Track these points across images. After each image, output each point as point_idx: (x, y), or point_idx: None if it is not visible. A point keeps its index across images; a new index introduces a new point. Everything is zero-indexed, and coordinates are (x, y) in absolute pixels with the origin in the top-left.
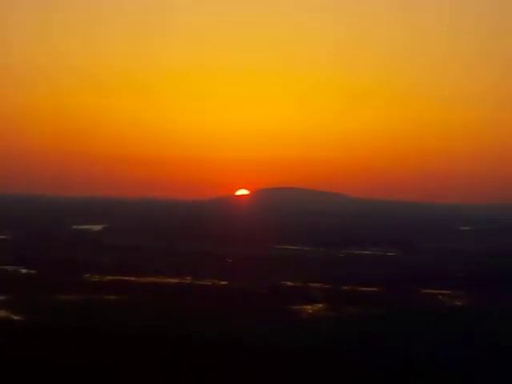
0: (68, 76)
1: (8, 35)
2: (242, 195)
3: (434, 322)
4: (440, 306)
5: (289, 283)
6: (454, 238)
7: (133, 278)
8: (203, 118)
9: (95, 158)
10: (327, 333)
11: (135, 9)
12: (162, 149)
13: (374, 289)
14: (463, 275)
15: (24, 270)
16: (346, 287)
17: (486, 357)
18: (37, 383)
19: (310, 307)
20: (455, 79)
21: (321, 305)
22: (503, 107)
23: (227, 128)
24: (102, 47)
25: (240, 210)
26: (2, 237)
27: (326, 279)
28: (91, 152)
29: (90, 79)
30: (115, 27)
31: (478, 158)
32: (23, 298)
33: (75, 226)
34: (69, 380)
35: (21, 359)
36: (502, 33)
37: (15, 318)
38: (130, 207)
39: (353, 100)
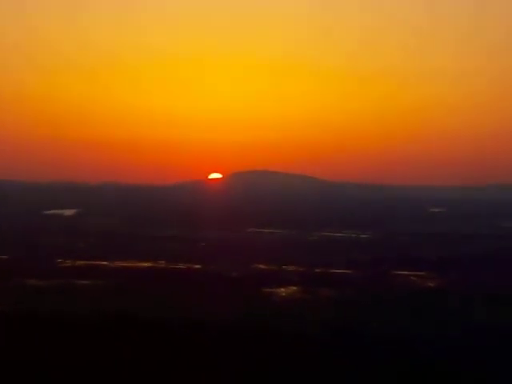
0: (40, 56)
1: None
2: (215, 179)
3: (406, 304)
4: (413, 287)
5: (263, 266)
6: (427, 220)
7: (105, 263)
8: (175, 100)
9: (60, 142)
10: (301, 316)
11: None
12: (132, 132)
13: (348, 271)
14: (436, 257)
15: None
16: (319, 270)
17: (459, 336)
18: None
19: (284, 290)
20: (428, 60)
21: (295, 288)
22: (480, 88)
23: (199, 110)
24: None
25: (213, 194)
26: None
27: (300, 262)
28: (56, 136)
29: (63, 61)
30: (102, 11)
31: (452, 140)
32: None
33: (46, 211)
34: (40, 364)
35: None
36: (481, 15)
37: None
38: (100, 192)
39: (328, 82)
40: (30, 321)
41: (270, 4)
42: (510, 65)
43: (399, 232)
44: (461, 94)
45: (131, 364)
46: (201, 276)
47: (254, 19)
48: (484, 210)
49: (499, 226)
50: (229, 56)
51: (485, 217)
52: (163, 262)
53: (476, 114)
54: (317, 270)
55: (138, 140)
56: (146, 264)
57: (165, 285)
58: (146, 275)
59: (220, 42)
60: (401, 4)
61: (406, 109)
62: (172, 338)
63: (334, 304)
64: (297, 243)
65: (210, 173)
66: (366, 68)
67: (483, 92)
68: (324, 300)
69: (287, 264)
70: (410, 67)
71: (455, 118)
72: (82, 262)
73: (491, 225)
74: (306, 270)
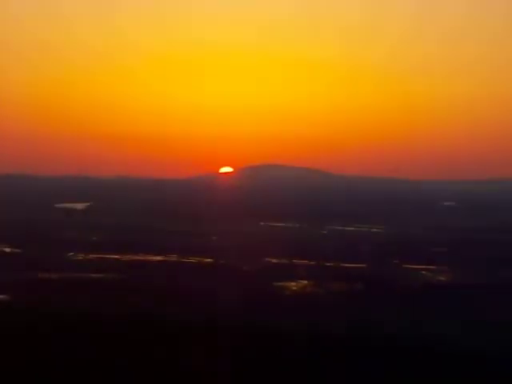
0: (44, 55)
1: None
2: (226, 173)
3: (417, 298)
4: (424, 281)
5: (274, 260)
6: (438, 213)
7: (117, 257)
8: (185, 94)
9: (72, 137)
10: (311, 309)
11: None
12: (143, 127)
13: (359, 265)
14: (448, 250)
15: (8, 249)
16: (330, 263)
17: (468, 331)
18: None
19: (294, 284)
20: (429, 55)
21: (306, 282)
22: (484, 81)
23: (210, 104)
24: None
25: (224, 188)
26: None
27: (311, 256)
28: (70, 131)
29: (66, 56)
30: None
31: (462, 134)
32: (7, 277)
33: (58, 205)
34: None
35: (5, 339)
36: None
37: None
38: (112, 186)
39: (338, 76)
40: (43, 314)
41: None
42: None
43: (410, 225)
44: (472, 88)
45: (138, 364)
46: (211, 270)
47: (258, 12)
48: (499, 204)
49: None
50: (239, 50)
51: (498, 211)
52: (174, 255)
53: (484, 108)
54: (328, 264)
55: (150, 135)
56: (157, 258)
57: (174, 279)
58: (156, 269)
59: (230, 35)
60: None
61: (414, 103)
62: (171, 334)
63: (345, 299)
64: (308, 237)
65: (221, 167)
66: (374, 63)
67: (491, 85)
68: (335, 294)
69: (298, 258)
70: (419, 62)
71: (466, 111)
72: (93, 256)
73: (503, 219)
74: (316, 264)
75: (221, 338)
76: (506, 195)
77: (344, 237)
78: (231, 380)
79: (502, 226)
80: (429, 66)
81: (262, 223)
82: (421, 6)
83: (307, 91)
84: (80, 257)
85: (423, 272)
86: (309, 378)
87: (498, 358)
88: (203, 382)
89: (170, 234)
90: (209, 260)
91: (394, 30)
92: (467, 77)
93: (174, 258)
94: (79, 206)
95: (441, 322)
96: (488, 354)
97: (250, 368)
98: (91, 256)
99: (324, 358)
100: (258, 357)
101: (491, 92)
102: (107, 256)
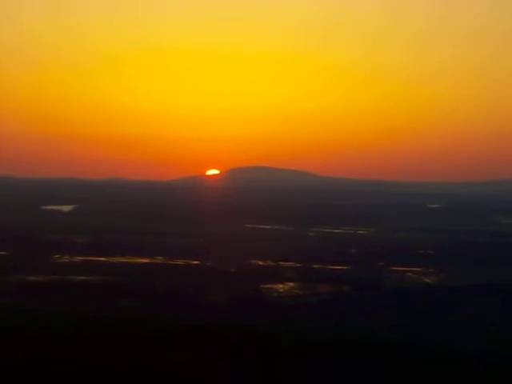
0: (35, 53)
1: None
2: (213, 175)
3: (403, 299)
4: (410, 283)
5: (260, 262)
6: (425, 215)
7: (103, 259)
8: (173, 97)
9: (61, 139)
10: (297, 311)
11: None
12: (130, 128)
13: (345, 267)
14: (434, 252)
15: None
16: (316, 266)
17: (457, 332)
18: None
19: (281, 286)
20: (433, 57)
21: (292, 284)
22: (482, 86)
23: (196, 106)
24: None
25: (211, 190)
26: None
27: (298, 258)
28: (56, 132)
29: (55, 56)
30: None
31: (450, 137)
32: None
33: (44, 207)
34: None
35: None
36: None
37: None
38: (98, 188)
39: (326, 77)
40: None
41: None
42: None
43: (396, 228)
44: (460, 92)
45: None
46: (198, 272)
47: (249, 13)
48: (484, 206)
49: (497, 222)
50: (225, 51)
51: (483, 213)
52: (160, 257)
53: (476, 111)
54: (314, 266)
55: (136, 137)
56: (143, 260)
57: (160, 281)
58: (143, 271)
59: (216, 36)
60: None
61: (404, 106)
62: (168, 335)
63: (331, 300)
64: (295, 239)
65: (208, 169)
66: (365, 65)
67: (485, 89)
68: (321, 296)
69: (285, 260)
70: (412, 64)
71: (455, 114)
72: (79, 258)
73: (488, 221)
74: (303, 266)
75: (206, 338)
76: (493, 197)
77: (330, 239)
78: (215, 379)
79: (488, 228)
80: (418, 67)
81: (247, 225)
82: (430, 11)
83: (296, 93)
84: (66, 259)
85: (409, 274)
86: (294, 379)
87: (484, 358)
88: (186, 380)
89: (156, 235)
90: (195, 262)
91: (378, 29)
92: (453, 78)
93: (160, 260)
94: (66, 208)
95: (422, 322)
96: (481, 356)
97: (234, 369)
98: (77, 258)
99: (308, 359)
100: (242, 357)
101: (478, 94)
102: (93, 258)
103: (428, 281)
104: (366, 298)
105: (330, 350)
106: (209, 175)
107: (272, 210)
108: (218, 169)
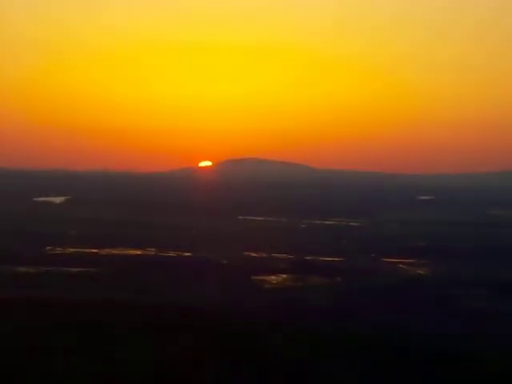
0: (28, 47)
1: None
2: (206, 166)
3: (394, 291)
4: (401, 275)
5: (253, 254)
6: (416, 207)
7: (95, 251)
8: (166, 89)
9: (51, 130)
10: (289, 302)
11: None
12: (123, 120)
13: (337, 259)
14: (425, 244)
15: None
16: (309, 257)
17: (447, 323)
18: None
19: (274, 277)
20: (425, 49)
21: (284, 275)
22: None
23: (190, 98)
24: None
25: (203, 182)
26: None
27: (290, 250)
28: (47, 124)
29: (48, 49)
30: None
31: (441, 128)
32: None
33: (36, 199)
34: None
35: None
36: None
37: None
38: (91, 180)
39: (319, 71)
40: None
41: None
42: None
43: (388, 219)
44: (455, 84)
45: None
46: (190, 263)
47: (244, 6)
48: (475, 198)
49: (487, 214)
50: (219, 44)
51: (474, 204)
52: (153, 249)
53: (472, 102)
54: (307, 258)
55: (129, 128)
56: (135, 252)
57: (152, 272)
58: (135, 263)
59: (211, 28)
60: None
61: (396, 97)
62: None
63: (323, 291)
64: (287, 231)
65: (200, 161)
66: (359, 57)
67: (483, 81)
68: (314, 287)
69: (277, 252)
70: (406, 56)
71: (448, 106)
72: (71, 250)
73: (479, 212)
74: (296, 258)
75: (197, 328)
76: (483, 189)
77: (323, 230)
78: (204, 372)
79: (478, 220)
80: (408, 58)
81: (240, 217)
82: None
83: (289, 86)
84: (57, 250)
85: (400, 265)
86: (286, 372)
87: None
88: (172, 374)
89: (148, 227)
90: (188, 254)
91: (376, 24)
92: (450, 72)
93: (152, 251)
94: (58, 199)
95: (410, 313)
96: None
97: (227, 361)
98: (68, 250)
99: (299, 350)
100: (232, 349)
101: (468, 87)
102: (85, 250)
103: (420, 272)
104: (355, 289)
105: (319, 337)
106: (201, 167)
107: (265, 201)
108: (210, 160)
